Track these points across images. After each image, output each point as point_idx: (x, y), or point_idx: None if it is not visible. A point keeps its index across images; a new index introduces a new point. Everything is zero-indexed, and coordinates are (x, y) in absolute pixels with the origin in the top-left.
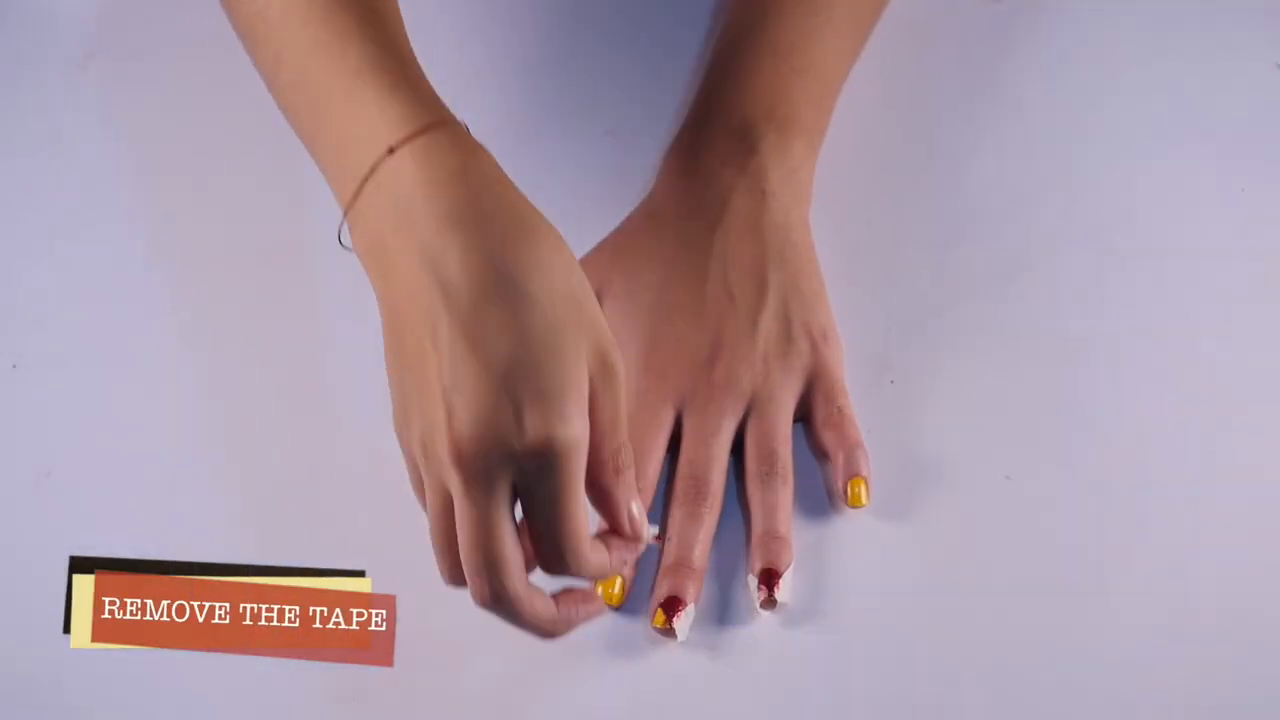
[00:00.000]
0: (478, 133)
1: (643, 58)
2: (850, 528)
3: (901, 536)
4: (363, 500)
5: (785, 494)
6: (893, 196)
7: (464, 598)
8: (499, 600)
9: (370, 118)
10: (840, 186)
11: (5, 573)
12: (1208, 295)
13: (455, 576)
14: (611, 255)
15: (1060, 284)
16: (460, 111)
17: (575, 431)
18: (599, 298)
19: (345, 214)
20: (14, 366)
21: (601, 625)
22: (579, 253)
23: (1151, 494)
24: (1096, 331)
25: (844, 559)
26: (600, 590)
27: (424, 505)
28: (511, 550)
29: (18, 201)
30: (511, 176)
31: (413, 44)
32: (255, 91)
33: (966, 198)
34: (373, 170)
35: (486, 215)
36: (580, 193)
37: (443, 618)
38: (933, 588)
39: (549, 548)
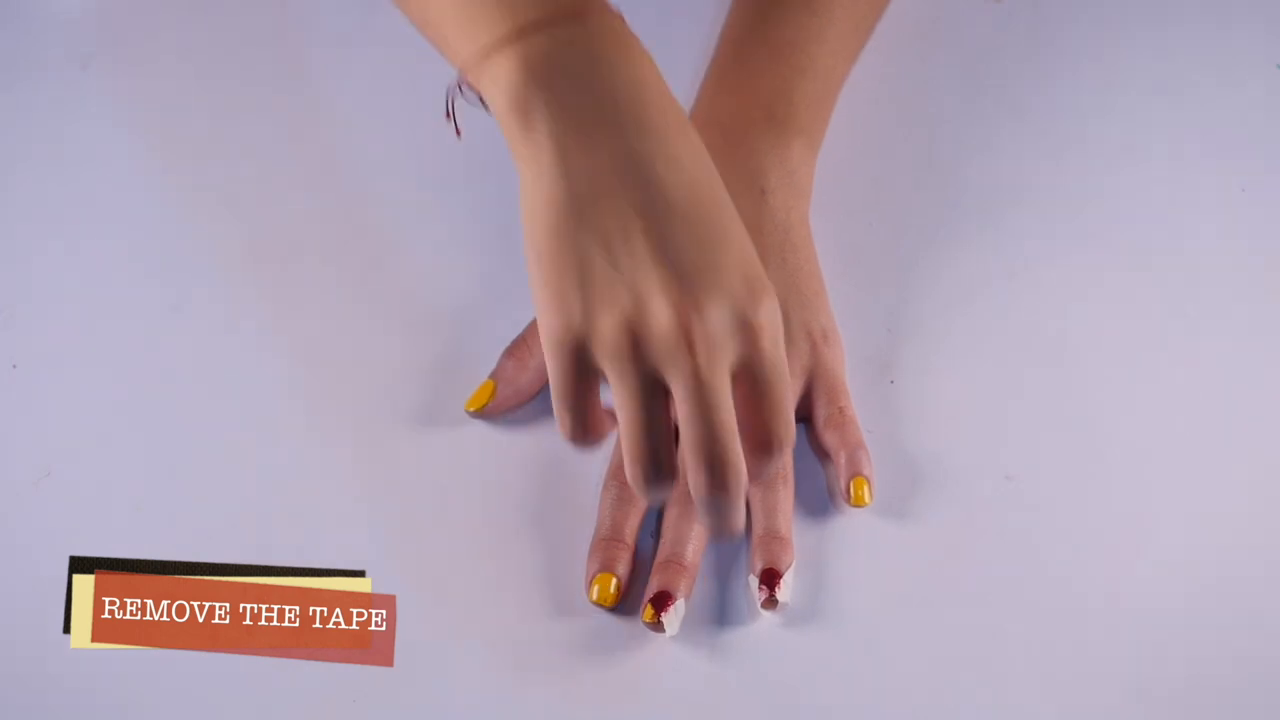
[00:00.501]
0: (477, 130)
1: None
2: (850, 528)
3: (902, 536)
4: (363, 500)
5: (786, 494)
6: (893, 196)
7: (464, 597)
8: (733, 485)
9: None
10: (840, 186)
11: (5, 573)
12: (1208, 295)
13: (661, 475)
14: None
15: (1060, 284)
16: (461, 111)
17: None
18: None
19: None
20: (14, 366)
21: (602, 626)
22: None
23: (1152, 494)
24: (1096, 331)
25: (844, 559)
26: (594, 592)
27: (571, 408)
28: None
29: (18, 201)
30: (510, 175)
31: (413, 42)
32: (255, 92)
33: (966, 198)
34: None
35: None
36: None
37: (443, 618)
38: (933, 588)
39: (768, 425)
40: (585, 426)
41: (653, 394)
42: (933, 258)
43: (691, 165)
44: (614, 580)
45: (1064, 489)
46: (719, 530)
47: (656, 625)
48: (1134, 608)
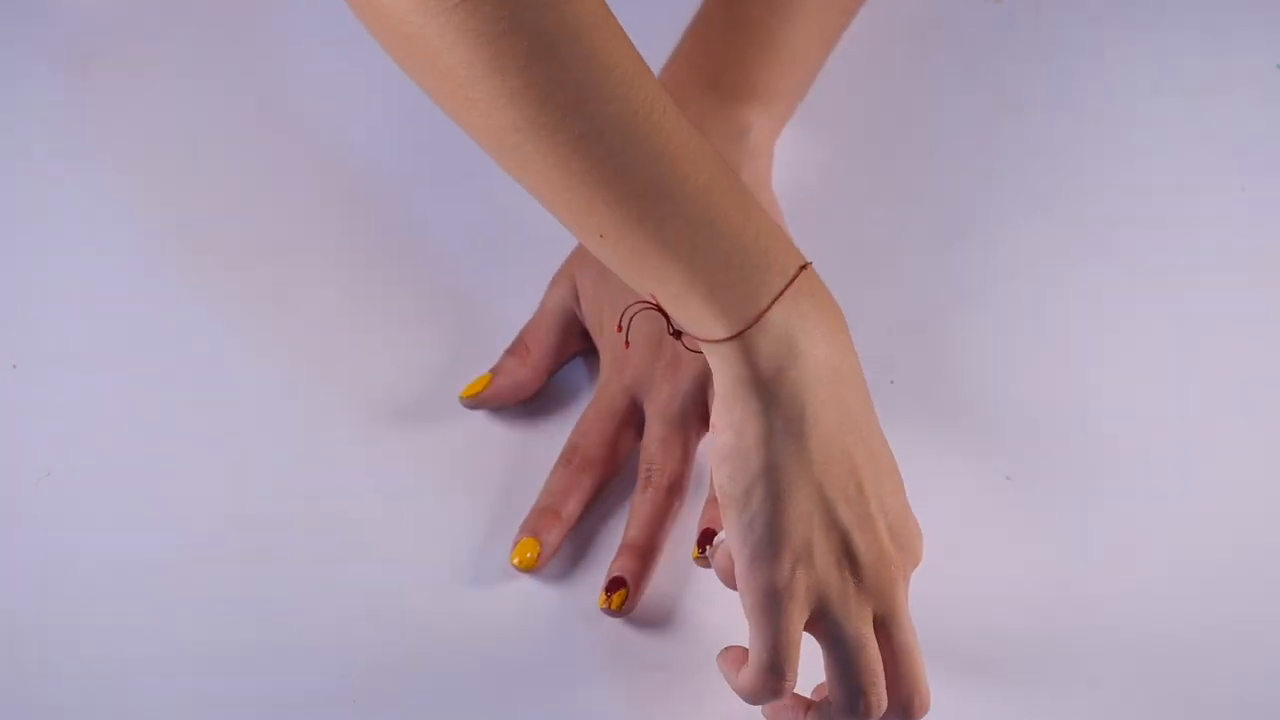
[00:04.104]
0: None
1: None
2: None
3: None
4: (365, 500)
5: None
6: (892, 196)
7: (464, 597)
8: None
9: (785, 236)
10: (841, 186)
11: (5, 573)
12: (1208, 295)
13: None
14: (582, 250)
15: (1060, 284)
16: None
17: None
18: (575, 294)
19: (755, 321)
20: (14, 366)
21: (602, 627)
22: (565, 249)
23: (1151, 494)
24: (1096, 331)
25: None
26: (515, 555)
27: (792, 659)
28: None
29: (18, 201)
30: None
31: None
32: (255, 92)
33: (965, 197)
34: (791, 281)
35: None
36: None
37: (444, 618)
38: (932, 588)
39: (912, 674)
40: (792, 681)
41: (874, 634)
42: (933, 258)
43: (877, 432)
44: (538, 547)
45: (1064, 489)
46: None
47: (609, 609)
48: (1134, 607)
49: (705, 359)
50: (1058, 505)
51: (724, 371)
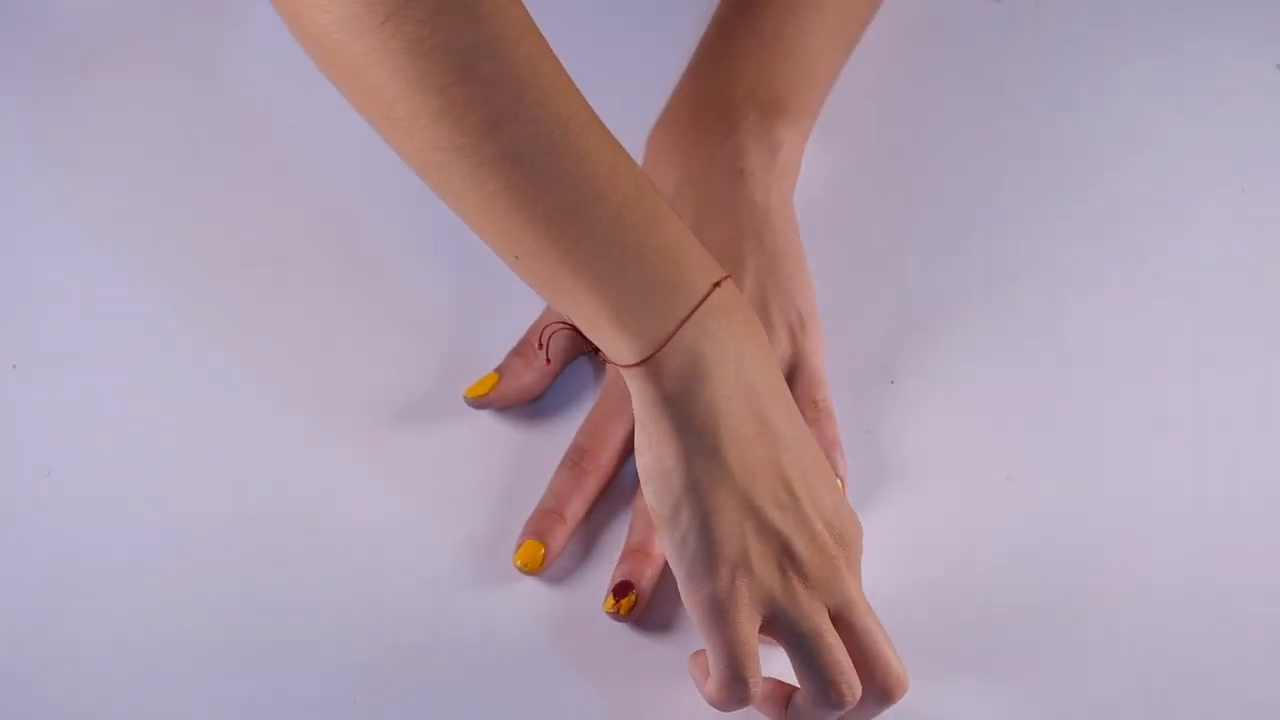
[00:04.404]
0: None
1: (639, 58)
2: None
3: (901, 536)
4: (367, 500)
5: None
6: (893, 196)
7: (464, 597)
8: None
9: (699, 253)
10: (841, 186)
11: (5, 573)
12: (1208, 295)
13: (855, 687)
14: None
15: (1060, 284)
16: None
17: None
18: None
19: (670, 338)
20: (14, 366)
21: (604, 629)
22: None
23: (1152, 494)
24: (1096, 332)
25: None
26: (519, 558)
27: (754, 668)
28: None
29: (18, 201)
30: None
31: None
32: (255, 93)
33: (966, 198)
34: (704, 300)
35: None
36: None
37: (445, 618)
38: (932, 588)
39: (880, 656)
40: (757, 687)
41: (832, 627)
42: (933, 258)
43: (804, 437)
44: (542, 549)
45: (1064, 489)
46: None
47: (617, 614)
48: (1133, 607)
49: None
50: (1058, 505)
51: (637, 393)
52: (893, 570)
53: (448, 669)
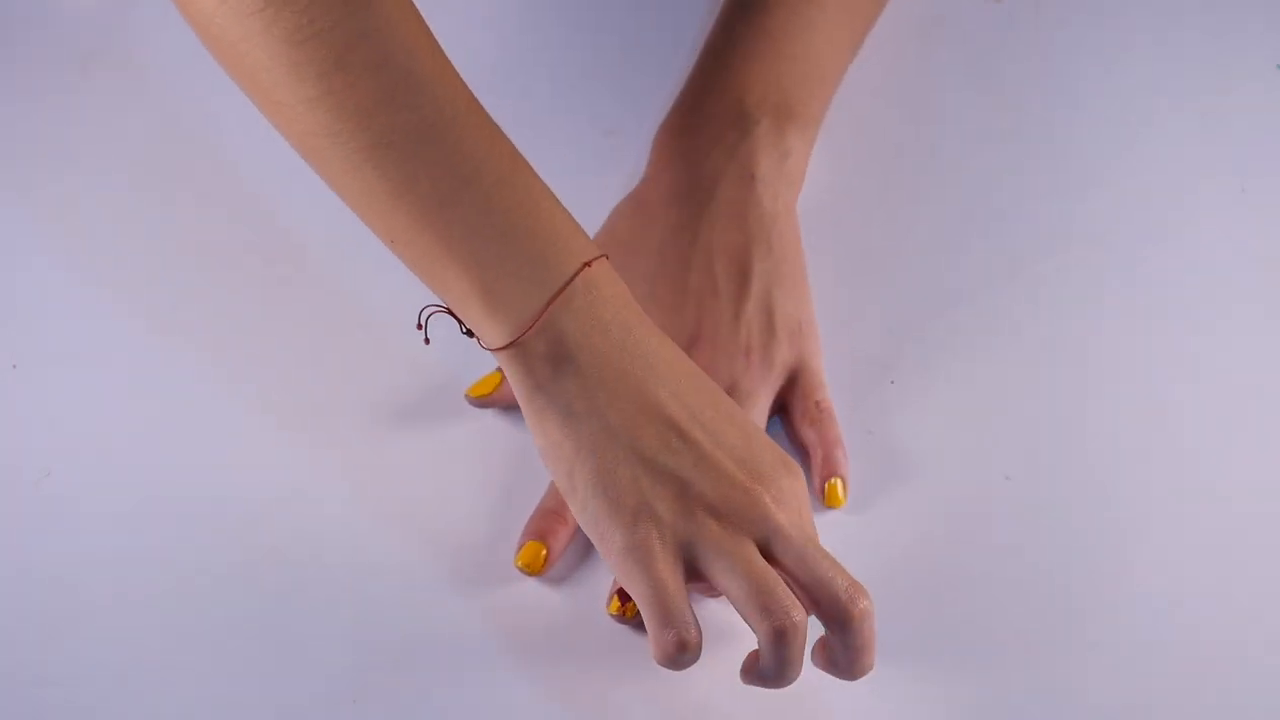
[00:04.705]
0: None
1: (642, 57)
2: (849, 527)
3: (901, 536)
4: (368, 500)
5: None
6: (893, 196)
7: (464, 597)
8: (861, 615)
9: (571, 235)
10: (841, 186)
11: (5, 573)
12: (1208, 295)
13: (793, 608)
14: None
15: (1060, 284)
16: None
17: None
18: None
19: (543, 312)
20: (14, 366)
21: (605, 629)
22: None
23: (1151, 494)
24: (1096, 331)
25: (842, 558)
26: (521, 557)
27: (679, 615)
28: None
29: (18, 202)
30: None
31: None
32: None
33: (966, 198)
34: (575, 276)
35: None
36: (580, 192)
37: (445, 618)
38: (932, 588)
39: (823, 576)
40: (699, 632)
41: (758, 555)
42: (933, 258)
43: (696, 375)
44: (544, 550)
45: (1063, 489)
46: (857, 664)
47: (621, 617)
48: (1133, 607)
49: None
50: (1058, 505)
51: (510, 376)
52: (892, 570)
53: (448, 669)
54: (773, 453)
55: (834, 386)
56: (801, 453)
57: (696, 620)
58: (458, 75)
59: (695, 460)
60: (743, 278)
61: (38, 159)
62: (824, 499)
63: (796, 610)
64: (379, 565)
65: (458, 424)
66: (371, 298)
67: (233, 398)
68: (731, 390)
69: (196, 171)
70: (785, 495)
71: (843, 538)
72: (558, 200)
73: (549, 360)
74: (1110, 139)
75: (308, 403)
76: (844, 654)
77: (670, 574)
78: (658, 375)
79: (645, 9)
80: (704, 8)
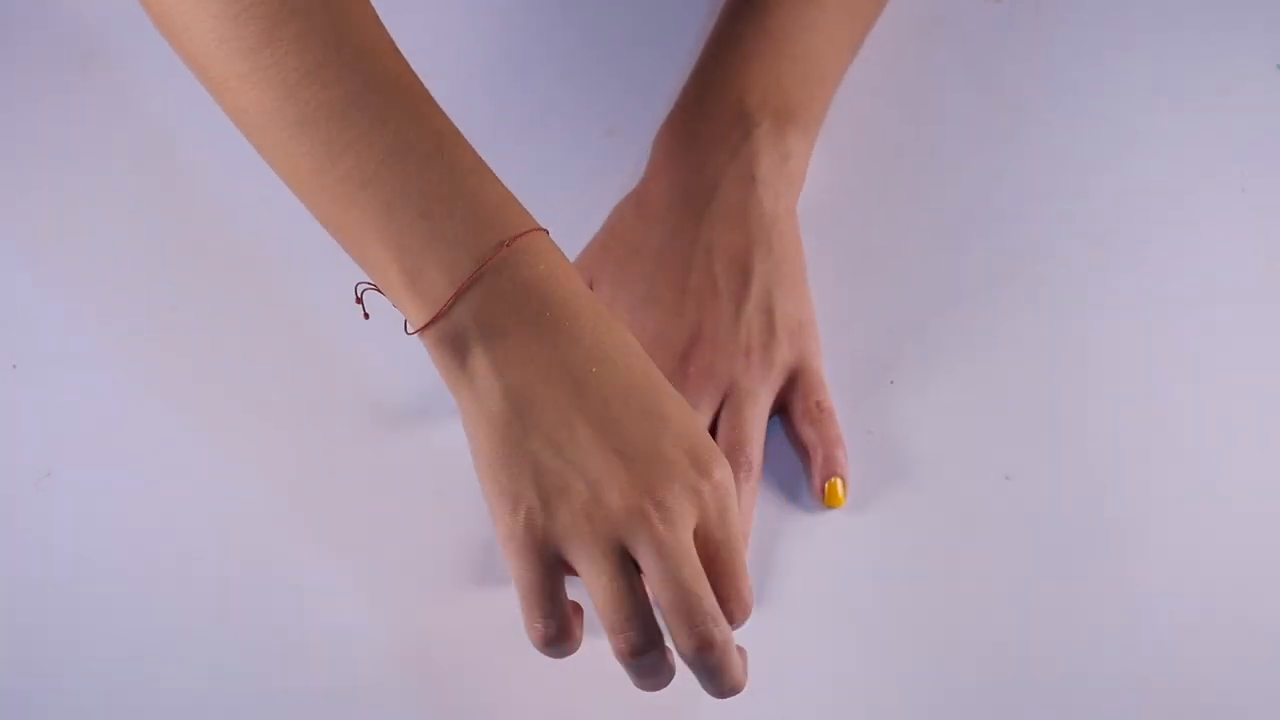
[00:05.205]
0: (478, 132)
1: (643, 57)
2: (849, 527)
3: (900, 536)
4: (367, 500)
5: (747, 492)
6: (893, 196)
7: (463, 597)
8: (719, 639)
9: (496, 211)
10: (841, 186)
11: (5, 573)
12: (1208, 295)
13: (650, 644)
14: (601, 249)
15: (1060, 284)
16: (460, 111)
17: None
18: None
19: (466, 286)
20: (14, 366)
21: (600, 628)
22: (576, 250)
23: (1151, 494)
24: (1095, 332)
25: (842, 559)
26: None
27: (546, 611)
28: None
29: (18, 201)
30: (512, 176)
31: (414, 44)
32: None
33: (966, 198)
34: (505, 247)
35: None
36: (580, 192)
37: (445, 618)
38: (931, 588)
39: (732, 581)
40: (562, 627)
41: (623, 567)
42: (933, 258)
43: (623, 359)
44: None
45: (1063, 489)
46: (721, 689)
47: None
48: (1133, 608)
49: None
50: (1058, 505)
51: (431, 356)
52: (892, 569)
53: (448, 669)
54: (689, 450)
55: (834, 386)
56: (802, 453)
57: (566, 612)
58: (394, 51)
59: (583, 456)
60: (743, 278)
61: (38, 159)
62: (824, 499)
63: (636, 631)
64: (378, 566)
65: (457, 424)
66: (372, 297)
67: (233, 397)
68: (732, 390)
69: (196, 171)
70: (677, 503)
71: (843, 538)
72: (490, 177)
73: (459, 343)
74: (1110, 139)
75: (308, 402)
76: (698, 677)
77: (539, 566)
78: (567, 362)
79: (645, 9)
80: (704, 8)
